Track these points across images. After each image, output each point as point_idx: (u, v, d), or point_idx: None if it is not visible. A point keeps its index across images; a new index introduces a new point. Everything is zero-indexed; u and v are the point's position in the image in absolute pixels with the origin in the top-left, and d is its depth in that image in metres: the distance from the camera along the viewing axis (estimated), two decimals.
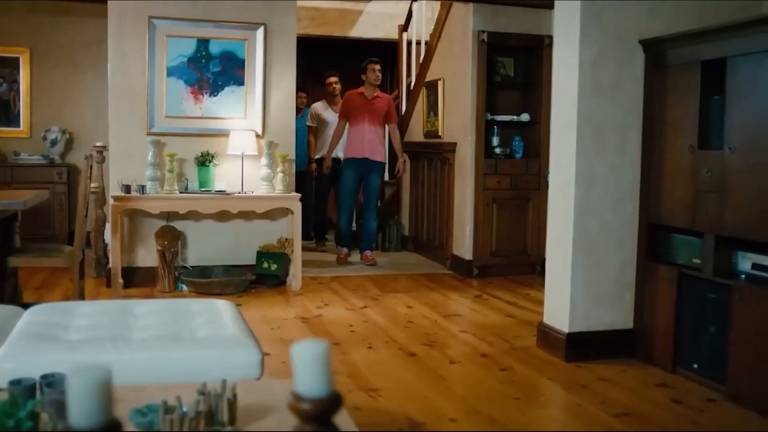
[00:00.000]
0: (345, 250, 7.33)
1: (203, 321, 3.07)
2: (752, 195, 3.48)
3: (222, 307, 3.31)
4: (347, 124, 7.24)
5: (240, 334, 2.90)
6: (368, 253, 7.24)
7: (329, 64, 9.79)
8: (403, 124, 8.22)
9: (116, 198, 5.62)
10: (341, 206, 7.33)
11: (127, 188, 5.68)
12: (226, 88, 6.06)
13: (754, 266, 3.57)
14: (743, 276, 3.63)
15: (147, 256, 5.98)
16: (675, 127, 3.99)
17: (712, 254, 3.73)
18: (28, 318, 3.05)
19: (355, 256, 7.36)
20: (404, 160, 7.49)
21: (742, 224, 3.55)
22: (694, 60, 3.83)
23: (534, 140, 6.83)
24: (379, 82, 7.21)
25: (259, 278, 6.05)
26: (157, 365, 2.67)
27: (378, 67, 7.19)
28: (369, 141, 7.08)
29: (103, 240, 6.31)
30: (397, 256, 7.78)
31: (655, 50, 4.11)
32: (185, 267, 6.00)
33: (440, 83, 7.26)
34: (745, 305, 3.52)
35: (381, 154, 7.21)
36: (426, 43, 8.10)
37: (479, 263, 6.75)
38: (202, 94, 6.03)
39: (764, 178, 3.41)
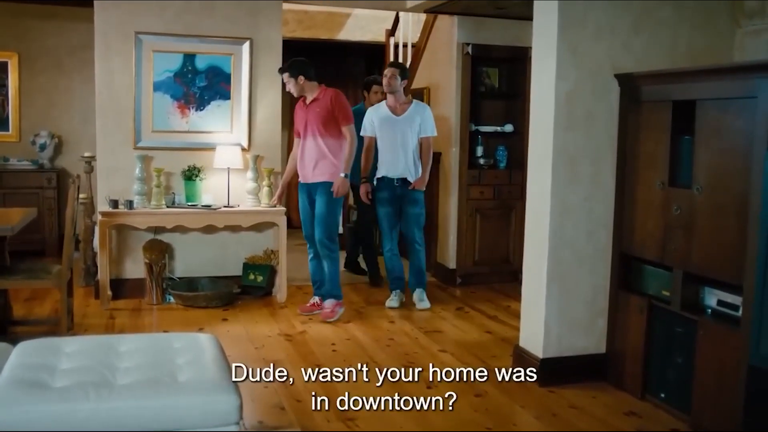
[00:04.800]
0: (315, 299, 5.83)
1: (185, 361, 3.17)
2: (717, 235, 3.60)
3: (204, 343, 3.42)
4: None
5: (220, 378, 3.01)
6: (326, 303, 5.69)
7: (317, 67, 9.87)
8: None
9: (104, 213, 5.72)
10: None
11: (115, 203, 5.78)
12: (213, 103, 6.14)
13: (720, 303, 3.69)
14: (709, 311, 3.75)
15: (135, 268, 6.09)
16: (647, 161, 4.10)
17: (680, 288, 3.85)
18: (15, 360, 3.14)
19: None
20: (344, 176, 5.55)
21: (708, 262, 3.67)
22: (666, 99, 3.93)
23: (517, 151, 6.93)
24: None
25: (245, 289, 6.17)
26: (139, 412, 2.79)
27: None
28: (306, 159, 5.60)
29: (92, 249, 6.40)
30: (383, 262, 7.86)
31: (629, 85, 4.21)
32: (172, 278, 6.11)
33: (425, 92, 7.34)
34: (709, 341, 3.65)
35: (322, 173, 5.55)
36: (413, 46, 8.16)
37: (462, 272, 6.88)
38: (189, 109, 6.11)
39: (728, 220, 3.53)
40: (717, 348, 3.60)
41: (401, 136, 5.95)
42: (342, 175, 5.55)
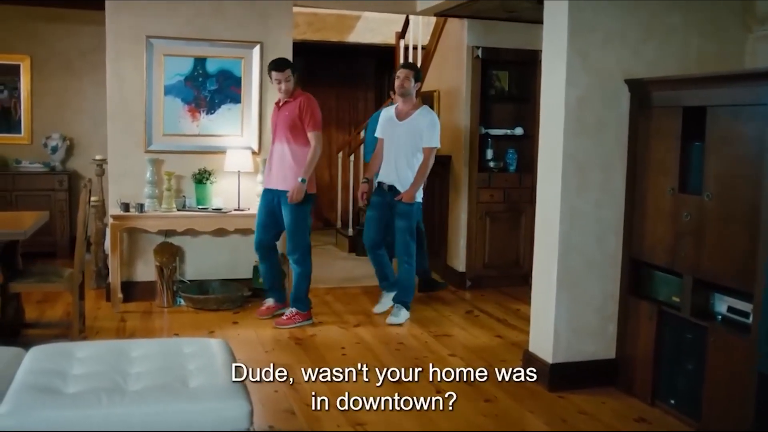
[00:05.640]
0: (270, 301, 5.83)
1: (195, 367, 3.20)
2: (727, 242, 3.59)
3: (215, 348, 3.43)
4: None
5: (230, 384, 3.03)
6: (287, 310, 5.62)
7: (327, 69, 9.95)
8: None
9: (115, 217, 5.76)
10: None
11: (126, 206, 5.81)
12: (223, 106, 6.16)
13: (730, 309, 3.69)
14: (719, 317, 3.75)
15: (146, 270, 6.12)
16: (657, 168, 4.09)
17: (690, 295, 3.85)
18: (28, 365, 3.17)
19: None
20: (300, 180, 5.34)
21: (718, 269, 3.67)
22: (677, 105, 3.93)
23: (527, 154, 6.92)
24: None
25: (255, 292, 6.18)
26: (150, 418, 2.81)
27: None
28: (272, 165, 5.49)
29: (103, 251, 6.44)
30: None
31: (640, 91, 4.21)
32: (183, 281, 6.14)
33: (436, 95, 7.35)
34: (719, 347, 3.64)
35: (288, 181, 5.41)
36: (423, 48, 8.17)
37: (472, 275, 6.89)
38: (199, 112, 6.13)
39: (738, 227, 3.52)
40: (727, 355, 3.60)
41: (397, 141, 5.65)
42: (299, 179, 5.35)
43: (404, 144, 5.63)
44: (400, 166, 5.65)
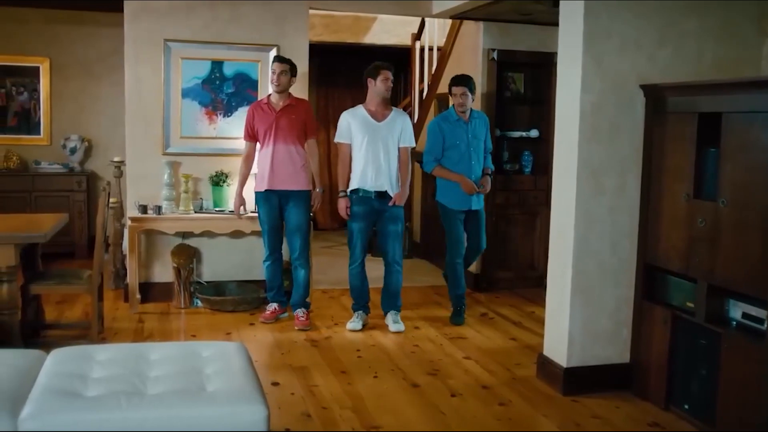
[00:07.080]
0: (273, 306, 5.81)
1: (213, 371, 3.24)
2: (742, 250, 3.59)
3: (232, 352, 3.48)
4: (256, 146, 5.72)
5: (248, 387, 3.07)
6: (299, 312, 5.69)
7: (343, 70, 9.98)
8: (415, 133, 8.29)
9: (133, 219, 5.83)
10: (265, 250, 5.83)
11: (144, 208, 5.88)
12: (240, 109, 6.21)
13: (745, 315, 3.69)
14: (734, 323, 3.75)
15: (163, 271, 6.18)
16: (673, 173, 4.10)
17: (704, 300, 3.85)
18: (49, 368, 3.23)
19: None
20: (320, 191, 5.77)
21: (732, 275, 3.67)
22: (692, 111, 3.93)
23: (543, 156, 6.94)
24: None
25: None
26: (168, 422, 2.85)
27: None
28: (279, 166, 5.54)
29: (121, 252, 6.51)
30: (406, 264, 7.88)
31: (655, 96, 4.21)
32: (200, 282, 6.20)
33: None
34: (734, 354, 3.65)
35: (300, 181, 5.60)
36: (439, 49, 8.19)
37: (487, 277, 6.90)
38: (216, 115, 6.20)
39: (753, 234, 3.52)
40: (741, 361, 3.60)
41: (383, 143, 5.44)
42: (320, 190, 5.77)
43: (392, 145, 5.49)
44: (392, 168, 5.49)
